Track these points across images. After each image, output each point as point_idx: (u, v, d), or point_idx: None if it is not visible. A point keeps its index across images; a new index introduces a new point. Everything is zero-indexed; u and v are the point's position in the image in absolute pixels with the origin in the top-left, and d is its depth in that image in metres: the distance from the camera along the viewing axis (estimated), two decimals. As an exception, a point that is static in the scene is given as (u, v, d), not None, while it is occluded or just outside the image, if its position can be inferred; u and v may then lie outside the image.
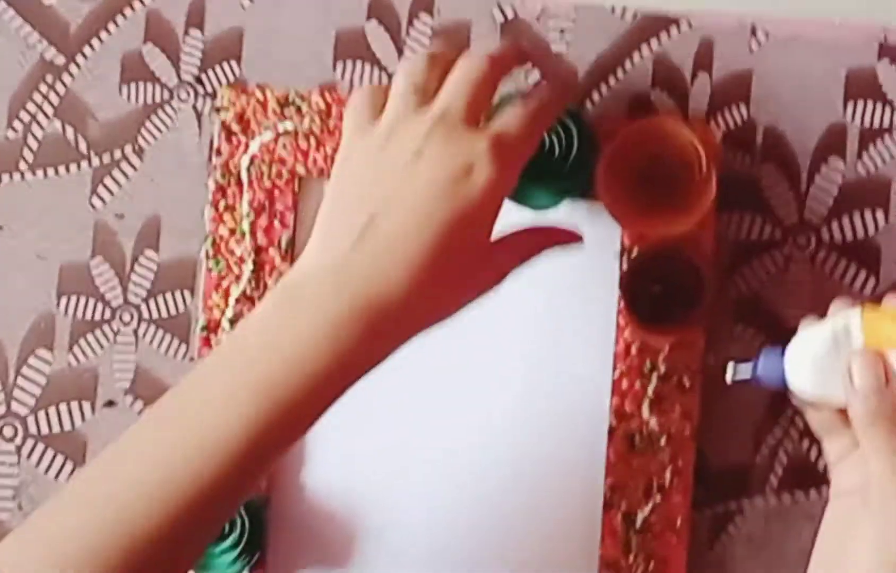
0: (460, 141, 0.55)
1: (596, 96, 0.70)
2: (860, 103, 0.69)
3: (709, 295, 0.66)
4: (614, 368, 0.68)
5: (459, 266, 0.55)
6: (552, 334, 0.69)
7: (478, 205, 0.55)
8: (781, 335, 0.68)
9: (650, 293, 0.67)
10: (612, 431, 0.68)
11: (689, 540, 0.67)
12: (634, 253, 0.68)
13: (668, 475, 0.67)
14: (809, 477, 0.69)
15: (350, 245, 0.54)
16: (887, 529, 0.53)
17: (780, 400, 0.68)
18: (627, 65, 0.71)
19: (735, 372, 0.58)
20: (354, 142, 0.58)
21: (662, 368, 0.67)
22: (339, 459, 0.68)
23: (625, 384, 0.68)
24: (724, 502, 0.69)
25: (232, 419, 0.51)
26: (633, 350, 0.68)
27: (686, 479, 0.67)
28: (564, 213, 0.68)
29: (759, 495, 0.69)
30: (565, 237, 0.62)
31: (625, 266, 0.68)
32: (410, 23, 0.71)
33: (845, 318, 0.56)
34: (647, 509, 0.67)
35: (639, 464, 0.67)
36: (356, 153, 0.58)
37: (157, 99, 0.71)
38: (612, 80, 0.71)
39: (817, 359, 0.56)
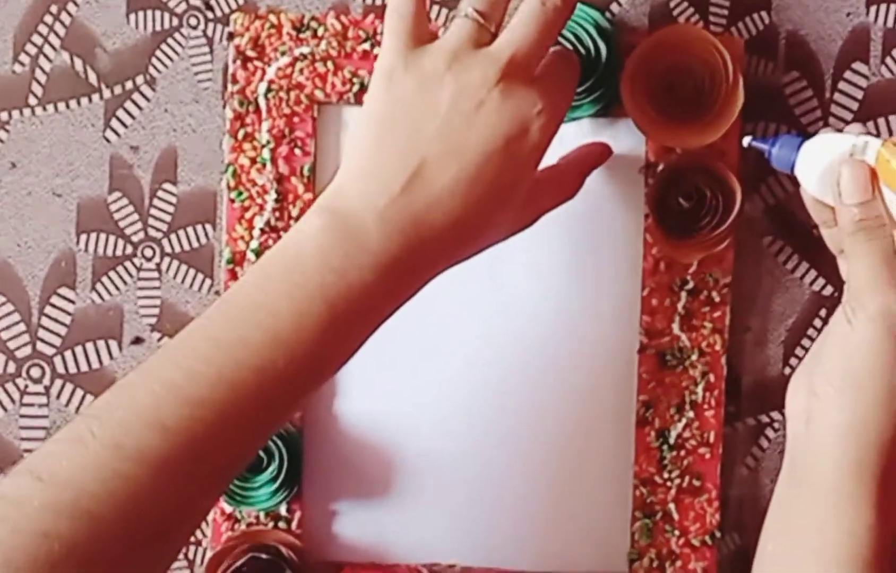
0: (521, 99, 0.56)
1: (615, 7, 0.69)
2: (883, 5, 0.68)
3: (740, 206, 0.65)
4: (643, 286, 0.67)
5: (506, 216, 0.57)
6: (579, 254, 0.68)
7: (530, 162, 0.56)
8: (812, 249, 0.68)
9: (679, 207, 0.66)
10: (642, 349, 0.67)
11: (722, 454, 0.68)
12: (661, 167, 0.67)
13: (700, 391, 0.67)
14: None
15: (399, 188, 0.54)
16: (852, 335, 0.55)
17: (809, 310, 0.68)
18: (647, -27, 0.69)
19: (752, 141, 0.60)
20: (400, 57, 0.56)
21: (691, 284, 0.67)
22: (370, 390, 0.68)
23: (654, 301, 0.67)
24: (755, 416, 0.69)
25: (298, 330, 0.52)
26: (662, 266, 0.67)
27: (718, 394, 0.67)
28: (588, 131, 0.67)
29: (789, 406, 0.69)
30: (600, 154, 0.65)
31: (651, 181, 0.67)
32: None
33: (867, 141, 0.57)
34: (681, 426, 0.67)
35: (671, 380, 0.67)
36: (405, 74, 0.56)
37: (167, 26, 0.68)
38: (631, -10, 0.69)
39: (831, 164, 0.57)
